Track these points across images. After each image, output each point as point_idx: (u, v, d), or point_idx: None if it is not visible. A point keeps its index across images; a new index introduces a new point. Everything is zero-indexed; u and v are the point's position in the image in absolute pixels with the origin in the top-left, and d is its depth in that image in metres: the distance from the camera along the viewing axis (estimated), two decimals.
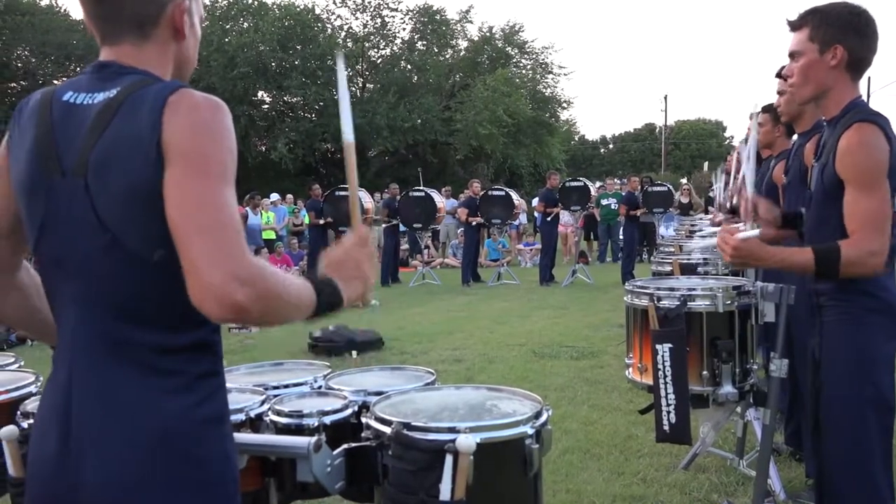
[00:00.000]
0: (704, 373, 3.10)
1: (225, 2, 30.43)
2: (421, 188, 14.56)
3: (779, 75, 3.62)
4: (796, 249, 2.36)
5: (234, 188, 1.23)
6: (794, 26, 2.39)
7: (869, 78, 31.81)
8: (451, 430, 1.68)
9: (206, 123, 1.22)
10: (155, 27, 1.34)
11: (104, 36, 1.35)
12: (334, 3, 33.55)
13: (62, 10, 30.58)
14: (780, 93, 3.67)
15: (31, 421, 1.93)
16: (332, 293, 1.36)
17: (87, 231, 1.26)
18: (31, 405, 2.12)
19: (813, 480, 2.99)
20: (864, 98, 2.44)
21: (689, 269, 4.30)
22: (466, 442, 1.61)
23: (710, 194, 15.14)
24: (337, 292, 1.37)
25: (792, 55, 2.41)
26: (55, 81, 27.95)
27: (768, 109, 4.30)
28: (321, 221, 13.79)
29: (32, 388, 2.33)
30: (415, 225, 13.94)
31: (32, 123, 1.32)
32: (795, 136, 3.89)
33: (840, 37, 2.29)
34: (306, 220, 15.11)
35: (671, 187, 15.46)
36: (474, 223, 13.57)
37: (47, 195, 1.29)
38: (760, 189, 4.27)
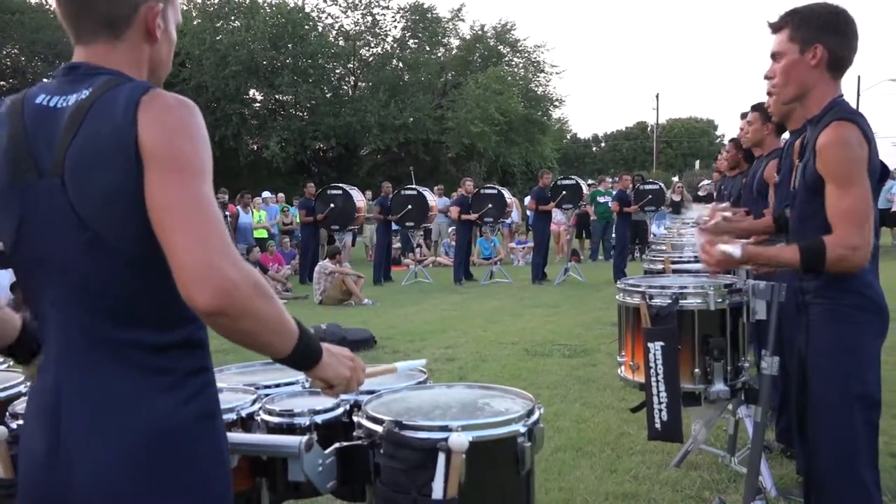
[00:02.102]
0: (696, 371, 3.11)
1: (216, 0, 30.32)
2: (413, 186, 14.55)
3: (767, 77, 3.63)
4: (783, 247, 2.39)
5: (212, 185, 1.25)
6: (775, 28, 2.43)
7: (858, 77, 31.99)
8: (444, 428, 1.67)
9: (181, 124, 1.24)
10: (127, 28, 1.34)
11: (77, 35, 1.35)
12: (324, 1, 33.53)
13: (52, 9, 30.37)
14: (769, 93, 3.69)
15: (21, 422, 1.91)
16: (314, 345, 1.38)
17: (67, 230, 1.26)
18: (21, 406, 2.09)
19: (803, 477, 3.01)
20: (854, 97, 2.46)
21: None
22: (459, 440, 1.61)
23: (700, 193, 15.21)
24: (318, 348, 1.39)
25: (774, 56, 2.45)
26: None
27: (758, 108, 4.32)
28: (312, 219, 13.77)
29: (22, 389, 2.31)
30: (407, 223, 13.94)
31: (5, 129, 1.32)
32: (787, 135, 3.91)
33: (820, 36, 2.32)
34: (297, 219, 15.08)
35: (663, 185, 15.50)
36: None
37: (23, 197, 1.29)
38: (752, 188, 4.29)
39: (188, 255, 1.17)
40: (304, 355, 1.35)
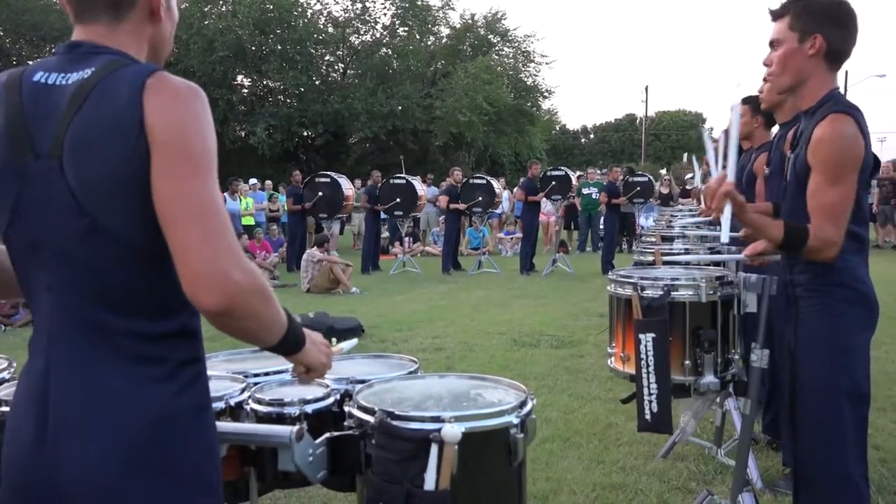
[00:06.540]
0: (686, 362, 3.11)
1: None
2: (402, 175, 14.51)
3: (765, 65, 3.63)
4: (771, 221, 2.36)
5: (217, 180, 1.23)
6: (776, 15, 2.41)
7: (847, 72, 32.15)
8: (436, 419, 1.66)
9: (191, 113, 1.21)
10: (131, 8, 1.32)
11: (78, 14, 1.32)
12: None
13: None
14: (765, 79, 3.68)
15: (4, 409, 1.88)
16: (300, 333, 1.40)
17: (64, 214, 1.22)
18: (4, 392, 2.06)
19: (789, 469, 3.03)
20: (841, 92, 2.44)
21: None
22: (452, 431, 1.59)
23: (687, 186, 15.25)
24: (303, 336, 1.41)
25: (772, 44, 2.43)
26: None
27: (747, 101, 4.32)
28: (299, 207, 13.70)
29: (5, 375, 2.28)
30: (396, 213, 13.90)
31: (1, 105, 1.28)
32: (776, 128, 3.91)
33: (820, 26, 2.31)
34: (284, 207, 14.99)
35: (651, 178, 15.54)
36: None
37: (20, 178, 1.25)
38: (741, 181, 4.29)
39: (200, 258, 1.16)
40: (290, 344, 1.37)
